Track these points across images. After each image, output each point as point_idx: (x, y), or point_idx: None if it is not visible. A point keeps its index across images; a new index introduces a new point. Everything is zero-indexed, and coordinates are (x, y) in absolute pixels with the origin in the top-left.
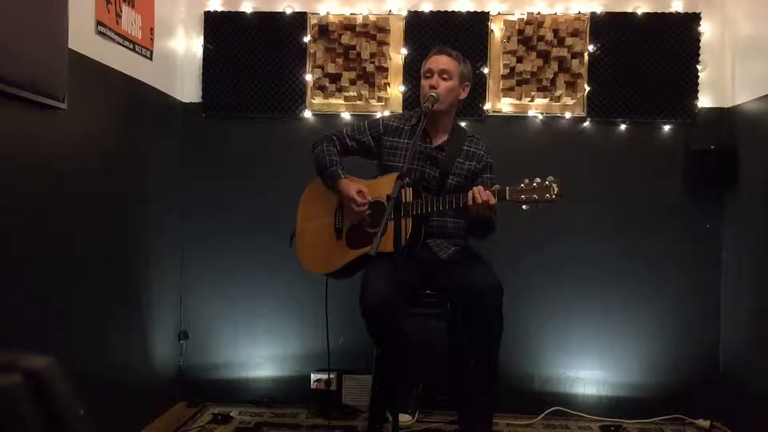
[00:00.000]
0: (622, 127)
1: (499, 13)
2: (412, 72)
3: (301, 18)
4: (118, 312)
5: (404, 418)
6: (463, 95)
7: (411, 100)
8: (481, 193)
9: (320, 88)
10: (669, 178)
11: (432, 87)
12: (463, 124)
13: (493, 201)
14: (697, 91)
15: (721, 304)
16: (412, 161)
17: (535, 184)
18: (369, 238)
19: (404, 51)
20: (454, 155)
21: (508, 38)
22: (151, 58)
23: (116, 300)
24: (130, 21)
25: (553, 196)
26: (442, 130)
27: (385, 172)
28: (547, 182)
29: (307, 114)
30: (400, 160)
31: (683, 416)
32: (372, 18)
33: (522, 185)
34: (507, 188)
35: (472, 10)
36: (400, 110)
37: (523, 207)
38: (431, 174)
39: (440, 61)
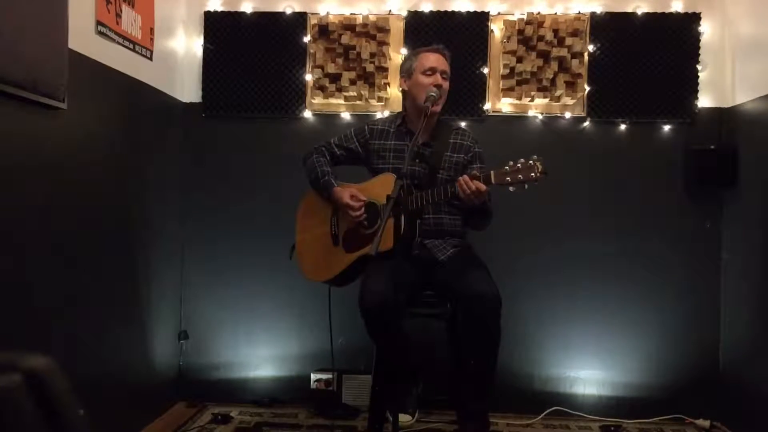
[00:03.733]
0: (622, 127)
1: (499, 13)
2: None
3: (301, 18)
4: (118, 312)
5: (404, 418)
6: None
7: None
8: (468, 184)
9: (320, 88)
10: (669, 178)
11: (437, 86)
12: (463, 124)
13: (483, 188)
14: (697, 91)
15: (721, 304)
16: (400, 160)
17: (519, 164)
18: (365, 241)
19: (404, 51)
20: (442, 150)
21: (508, 38)
22: (151, 58)
23: (116, 300)
24: (130, 21)
25: (538, 174)
26: (428, 126)
27: (375, 174)
28: (530, 161)
29: (307, 114)
30: (390, 162)
31: (683, 416)
32: (372, 18)
33: (506, 167)
34: (492, 172)
35: (472, 10)
36: (400, 110)
37: (510, 189)
38: (420, 171)
39: (441, 61)
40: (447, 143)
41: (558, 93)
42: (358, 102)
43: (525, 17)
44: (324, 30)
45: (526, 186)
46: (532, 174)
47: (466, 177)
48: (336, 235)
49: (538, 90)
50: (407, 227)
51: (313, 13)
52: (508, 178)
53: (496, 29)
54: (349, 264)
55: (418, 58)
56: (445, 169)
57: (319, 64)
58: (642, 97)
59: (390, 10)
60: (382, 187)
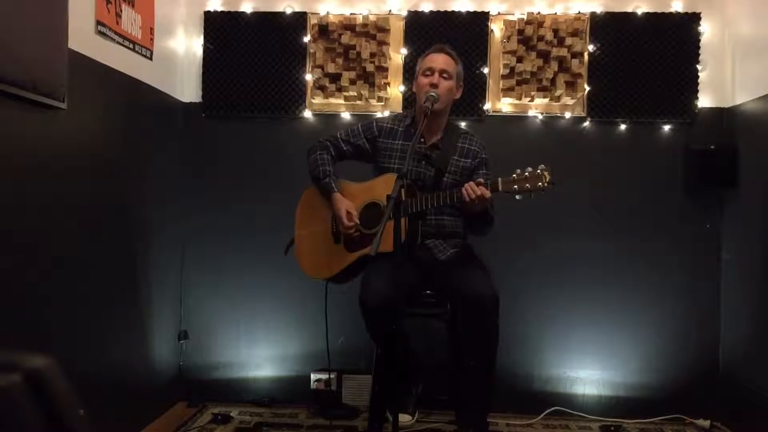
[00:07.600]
0: (622, 127)
1: (499, 13)
2: (412, 72)
3: (301, 18)
4: (118, 312)
5: (404, 418)
6: (458, 95)
7: (411, 100)
8: (473, 189)
9: (320, 88)
10: (669, 178)
11: (433, 85)
12: (463, 124)
13: (488, 195)
14: (697, 91)
15: (721, 304)
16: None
17: (527, 173)
18: (367, 241)
19: (404, 51)
20: (449, 153)
21: (508, 38)
22: (151, 58)
23: (116, 300)
24: (130, 21)
25: (545, 184)
26: (437, 129)
27: (380, 173)
28: (538, 170)
29: (307, 114)
30: (396, 162)
31: (683, 416)
32: (372, 18)
33: (514, 175)
34: (499, 179)
35: (472, 10)
36: (400, 110)
37: (517, 197)
38: (426, 173)
39: (441, 60)
40: (455, 147)
41: (558, 93)
42: (358, 102)
43: (525, 17)
44: (324, 30)
45: (533, 195)
46: (540, 183)
47: (471, 183)
48: (337, 233)
49: (538, 90)
50: (409, 230)
51: (313, 13)
52: (515, 186)
53: (496, 29)
54: (350, 263)
55: (422, 60)
56: (451, 173)
57: (319, 64)
58: (642, 97)
59: (390, 10)
60: (385, 186)
